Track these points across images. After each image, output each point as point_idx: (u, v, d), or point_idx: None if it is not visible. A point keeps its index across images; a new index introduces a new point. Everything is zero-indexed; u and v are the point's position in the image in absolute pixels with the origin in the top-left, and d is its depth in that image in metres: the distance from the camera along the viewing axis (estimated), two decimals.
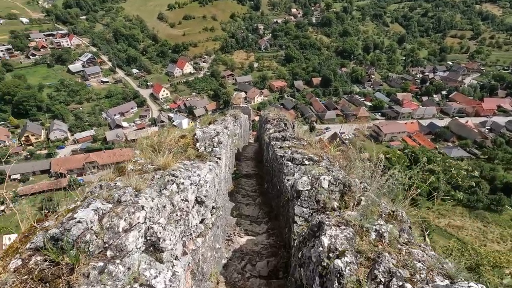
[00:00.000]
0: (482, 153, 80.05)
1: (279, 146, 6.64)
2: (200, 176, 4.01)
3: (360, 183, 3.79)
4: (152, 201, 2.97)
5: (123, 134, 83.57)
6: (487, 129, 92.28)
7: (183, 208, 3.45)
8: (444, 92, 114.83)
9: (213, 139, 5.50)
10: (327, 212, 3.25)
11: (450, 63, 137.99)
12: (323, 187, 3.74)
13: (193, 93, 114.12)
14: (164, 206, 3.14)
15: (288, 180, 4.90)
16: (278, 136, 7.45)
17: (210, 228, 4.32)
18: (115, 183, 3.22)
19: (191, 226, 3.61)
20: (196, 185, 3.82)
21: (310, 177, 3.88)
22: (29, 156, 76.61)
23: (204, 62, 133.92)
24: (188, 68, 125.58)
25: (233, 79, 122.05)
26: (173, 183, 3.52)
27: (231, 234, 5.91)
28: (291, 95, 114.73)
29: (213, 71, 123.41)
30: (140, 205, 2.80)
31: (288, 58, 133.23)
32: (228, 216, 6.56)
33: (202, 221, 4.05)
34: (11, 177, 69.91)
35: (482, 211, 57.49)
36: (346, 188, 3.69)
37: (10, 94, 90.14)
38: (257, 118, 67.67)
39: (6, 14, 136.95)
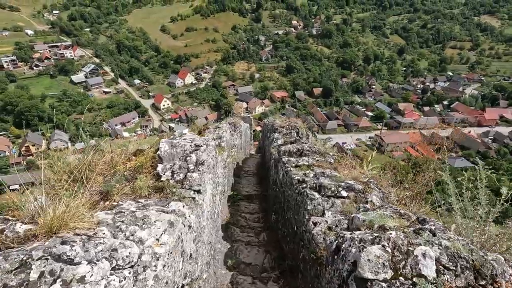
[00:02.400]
0: (486, 163, 78.93)
1: (294, 165, 4.89)
2: (144, 244, 1.97)
3: (505, 260, 1.80)
4: None
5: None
6: (490, 139, 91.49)
7: None
8: (445, 102, 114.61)
9: (189, 158, 3.34)
10: None
11: (451, 74, 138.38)
12: (423, 276, 1.69)
13: (195, 104, 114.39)
14: None
15: (315, 223, 3.18)
16: (292, 149, 5.59)
17: None
18: None
19: None
20: (129, 267, 1.78)
21: (389, 248, 1.81)
22: (29, 166, 76.06)
23: (205, 72, 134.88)
24: (190, 78, 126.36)
25: (235, 89, 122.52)
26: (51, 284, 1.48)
27: None
28: (292, 105, 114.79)
29: (214, 81, 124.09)
30: None
31: (289, 69, 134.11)
32: (219, 269, 4.55)
33: None
34: (10, 188, 69.23)
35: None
36: (484, 283, 1.66)
37: (12, 105, 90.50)
38: (258, 128, 67.15)
39: (11, 26, 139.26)
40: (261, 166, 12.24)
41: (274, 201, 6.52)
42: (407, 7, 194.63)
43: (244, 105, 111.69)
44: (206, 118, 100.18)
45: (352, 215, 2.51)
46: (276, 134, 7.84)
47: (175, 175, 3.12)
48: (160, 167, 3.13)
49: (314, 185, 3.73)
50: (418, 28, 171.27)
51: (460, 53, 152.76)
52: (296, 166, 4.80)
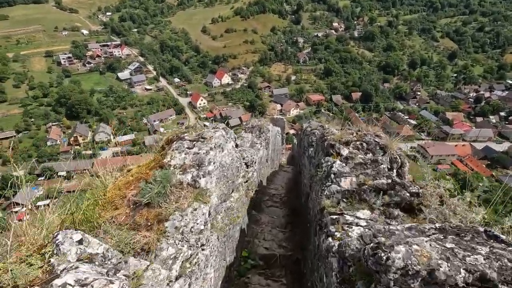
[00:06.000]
0: None
1: None
2: None
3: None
4: None
5: (159, 139, 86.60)
6: None
7: None
8: (503, 114, 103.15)
9: None
10: None
11: (510, 82, 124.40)
12: None
13: (229, 103, 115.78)
14: None
15: None
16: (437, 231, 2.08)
17: None
18: None
19: None
20: None
21: None
22: (75, 155, 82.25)
23: (242, 73, 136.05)
24: (227, 78, 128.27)
25: (270, 91, 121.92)
26: None
27: None
28: (328, 110, 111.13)
29: (250, 82, 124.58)
30: None
31: (327, 72, 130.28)
32: None
33: None
34: (58, 174, 75.35)
35: None
36: None
37: (65, 98, 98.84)
38: (292, 131, 64.94)
39: (70, 26, 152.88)
40: (293, 188, 8.83)
41: None
42: (462, 9, 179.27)
43: (279, 107, 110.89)
44: (240, 118, 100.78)
45: None
46: (337, 163, 3.68)
47: None
48: None
49: None
50: (473, 31, 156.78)
51: None
52: None
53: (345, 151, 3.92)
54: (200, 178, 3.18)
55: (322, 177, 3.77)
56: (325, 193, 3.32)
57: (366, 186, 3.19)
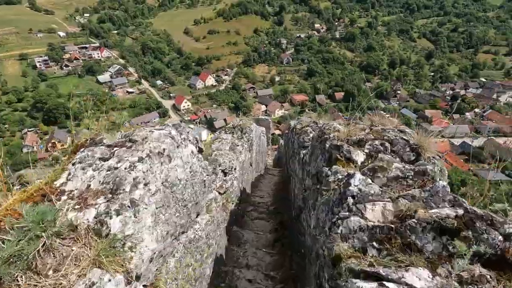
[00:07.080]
0: None
1: None
2: None
3: None
4: None
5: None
6: None
7: None
8: (477, 110, 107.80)
9: None
10: None
11: (484, 80, 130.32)
12: None
13: (214, 105, 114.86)
14: None
15: None
16: None
17: None
18: None
19: None
20: None
21: None
22: (53, 162, 78.96)
23: (226, 75, 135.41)
24: (210, 80, 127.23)
25: (254, 92, 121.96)
26: None
27: None
28: (312, 109, 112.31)
29: (234, 84, 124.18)
30: None
31: (310, 72, 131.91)
32: None
33: None
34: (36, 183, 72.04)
35: None
36: None
37: (42, 102, 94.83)
38: (277, 132, 65.03)
39: (46, 28, 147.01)
40: (281, 195, 7.88)
41: None
42: (437, 10, 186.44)
43: (263, 107, 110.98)
44: (225, 120, 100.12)
45: None
46: (358, 177, 2.30)
47: None
48: None
49: None
50: (448, 31, 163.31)
51: (495, 58, 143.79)
52: None
53: (359, 156, 2.63)
54: (112, 217, 1.77)
55: (332, 201, 2.35)
56: (339, 230, 1.95)
57: (415, 221, 1.75)
